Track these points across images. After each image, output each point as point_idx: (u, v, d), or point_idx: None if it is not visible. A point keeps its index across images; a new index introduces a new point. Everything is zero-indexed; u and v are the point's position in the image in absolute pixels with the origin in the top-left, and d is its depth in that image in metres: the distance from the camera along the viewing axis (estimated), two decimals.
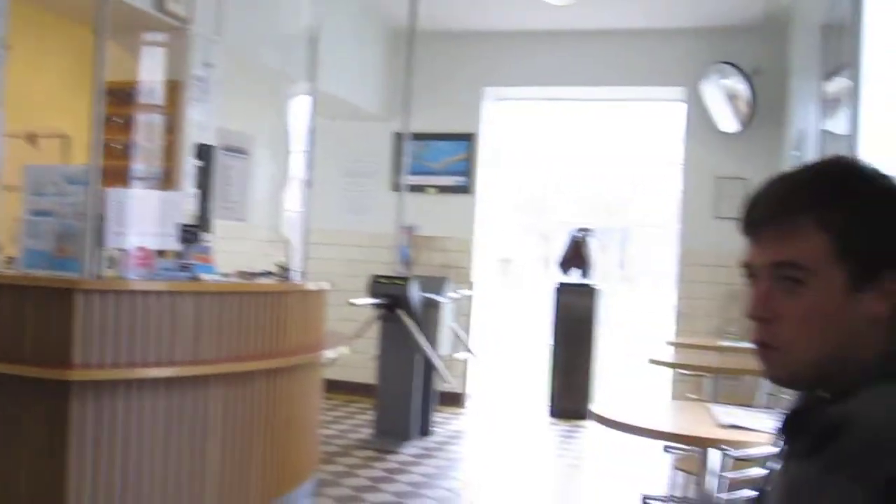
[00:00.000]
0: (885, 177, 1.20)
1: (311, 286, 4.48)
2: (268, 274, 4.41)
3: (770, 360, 1.20)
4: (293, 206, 5.23)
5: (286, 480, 4.18)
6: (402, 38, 6.71)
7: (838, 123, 3.59)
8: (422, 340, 5.85)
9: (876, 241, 1.15)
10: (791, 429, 1.23)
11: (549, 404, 7.31)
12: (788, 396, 1.47)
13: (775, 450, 1.28)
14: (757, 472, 2.30)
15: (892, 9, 2.56)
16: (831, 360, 1.15)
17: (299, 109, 5.47)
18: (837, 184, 1.18)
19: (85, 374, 3.12)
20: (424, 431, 6.19)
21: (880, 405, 1.01)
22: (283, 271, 4.47)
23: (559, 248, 7.70)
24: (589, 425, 6.70)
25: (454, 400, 7.35)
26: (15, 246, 3.58)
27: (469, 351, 7.13)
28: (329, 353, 4.52)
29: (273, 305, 3.99)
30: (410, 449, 5.80)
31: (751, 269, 1.21)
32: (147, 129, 4.88)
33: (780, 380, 1.22)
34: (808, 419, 1.16)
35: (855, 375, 1.11)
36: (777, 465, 1.25)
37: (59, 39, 5.29)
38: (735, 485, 2.57)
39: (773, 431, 1.28)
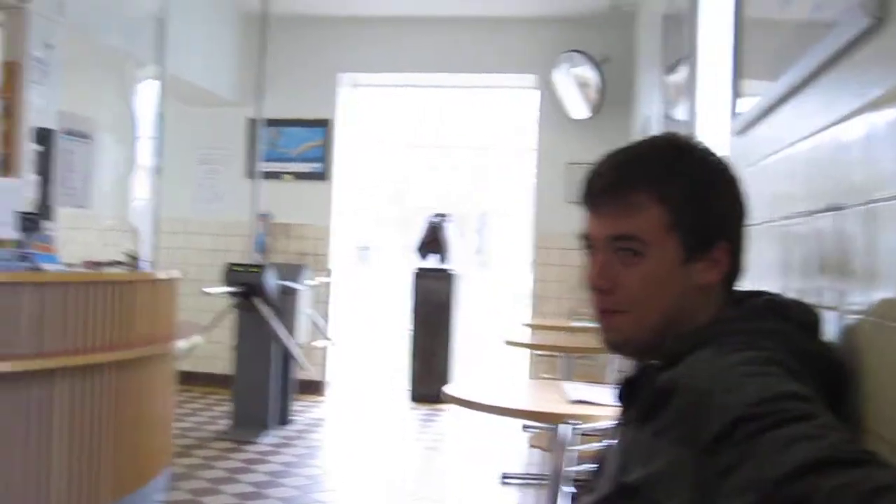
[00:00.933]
0: (713, 154, 1.27)
1: (160, 275, 4.35)
2: (116, 263, 4.26)
3: (610, 324, 1.24)
4: (142, 194, 5.07)
5: (138, 475, 4.04)
6: (256, 22, 6.58)
7: (680, 110, 3.74)
8: (279, 329, 5.77)
9: (707, 214, 1.20)
10: (627, 397, 1.28)
11: (410, 389, 7.36)
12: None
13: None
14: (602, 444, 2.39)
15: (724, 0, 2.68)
16: (666, 326, 1.20)
17: (147, 94, 5.29)
18: (671, 160, 1.23)
19: None
20: (283, 421, 6.12)
21: (701, 369, 1.06)
22: (132, 261, 4.33)
23: (417, 234, 7.74)
24: (449, 408, 6.78)
25: (314, 388, 7.30)
26: None
27: (327, 338, 7.09)
28: (182, 344, 4.41)
29: (121, 295, 3.84)
30: (269, 438, 5.73)
31: (589, 241, 1.26)
32: None
33: (618, 344, 1.26)
34: (641, 387, 1.21)
35: (687, 342, 1.16)
36: (616, 435, 1.30)
37: None
38: (583, 458, 2.66)
39: (615, 404, 1.32)
